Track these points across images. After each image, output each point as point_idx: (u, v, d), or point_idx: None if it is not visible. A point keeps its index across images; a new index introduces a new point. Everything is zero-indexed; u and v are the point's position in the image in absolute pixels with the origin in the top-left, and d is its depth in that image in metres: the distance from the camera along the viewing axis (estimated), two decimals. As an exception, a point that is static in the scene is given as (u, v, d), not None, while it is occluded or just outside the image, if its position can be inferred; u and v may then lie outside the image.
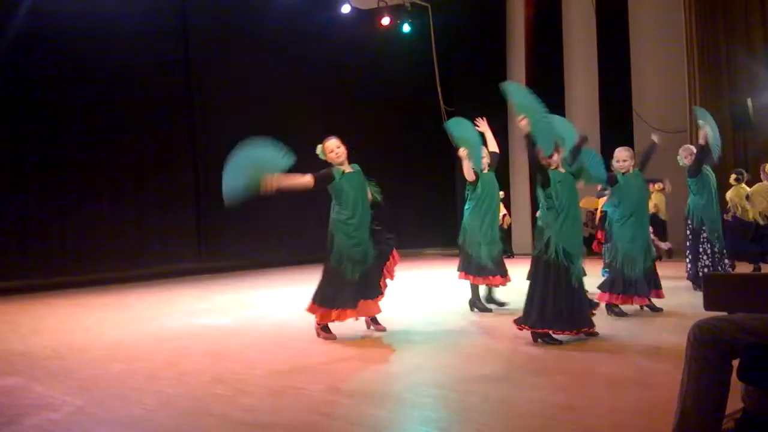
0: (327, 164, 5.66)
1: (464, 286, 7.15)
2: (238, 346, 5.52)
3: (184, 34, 12.13)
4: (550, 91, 14.54)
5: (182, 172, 12.03)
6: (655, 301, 6.66)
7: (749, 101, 11.96)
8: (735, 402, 2.47)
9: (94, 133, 10.82)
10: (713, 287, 2.30)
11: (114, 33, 10.90)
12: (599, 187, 8.65)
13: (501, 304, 7.07)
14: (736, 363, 2.40)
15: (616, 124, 13.82)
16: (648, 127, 14.23)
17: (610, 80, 14.15)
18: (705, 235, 7.96)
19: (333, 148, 5.62)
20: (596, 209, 12.68)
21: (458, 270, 7.05)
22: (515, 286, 6.65)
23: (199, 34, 12.20)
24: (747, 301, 2.26)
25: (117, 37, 10.96)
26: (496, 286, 7.02)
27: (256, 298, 8.67)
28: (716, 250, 7.96)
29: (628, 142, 13.31)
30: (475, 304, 7.01)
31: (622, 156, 6.62)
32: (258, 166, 5.18)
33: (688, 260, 8.13)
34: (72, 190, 10.57)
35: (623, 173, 6.58)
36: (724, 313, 2.41)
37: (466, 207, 7.01)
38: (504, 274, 6.89)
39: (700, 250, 7.95)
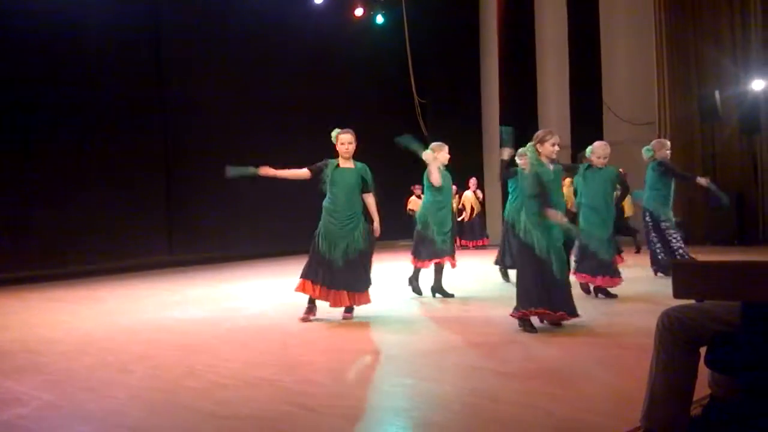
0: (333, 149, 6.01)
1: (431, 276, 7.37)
2: (210, 339, 5.49)
3: (155, 28, 11.96)
4: (522, 82, 14.67)
5: (153, 165, 11.88)
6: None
7: (717, 94, 12.15)
8: (702, 388, 2.52)
9: (64, 127, 10.65)
10: (682, 275, 2.33)
11: (85, 29, 10.78)
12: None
13: (448, 295, 7.33)
14: (703, 350, 2.45)
15: (587, 115, 13.99)
16: (618, 120, 14.44)
17: (581, 72, 14.31)
18: (666, 225, 8.14)
19: (344, 141, 5.91)
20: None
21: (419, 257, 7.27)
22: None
23: (170, 28, 12.05)
24: (715, 289, 2.29)
25: (88, 34, 10.84)
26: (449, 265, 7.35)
27: (229, 291, 8.62)
28: (681, 237, 8.20)
29: (598, 134, 13.49)
30: (438, 289, 7.32)
31: (604, 153, 6.95)
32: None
33: (656, 250, 8.29)
34: (42, 183, 10.40)
35: (598, 168, 6.93)
36: (693, 301, 2.46)
37: (426, 200, 7.30)
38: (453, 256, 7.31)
39: (669, 238, 8.13)
